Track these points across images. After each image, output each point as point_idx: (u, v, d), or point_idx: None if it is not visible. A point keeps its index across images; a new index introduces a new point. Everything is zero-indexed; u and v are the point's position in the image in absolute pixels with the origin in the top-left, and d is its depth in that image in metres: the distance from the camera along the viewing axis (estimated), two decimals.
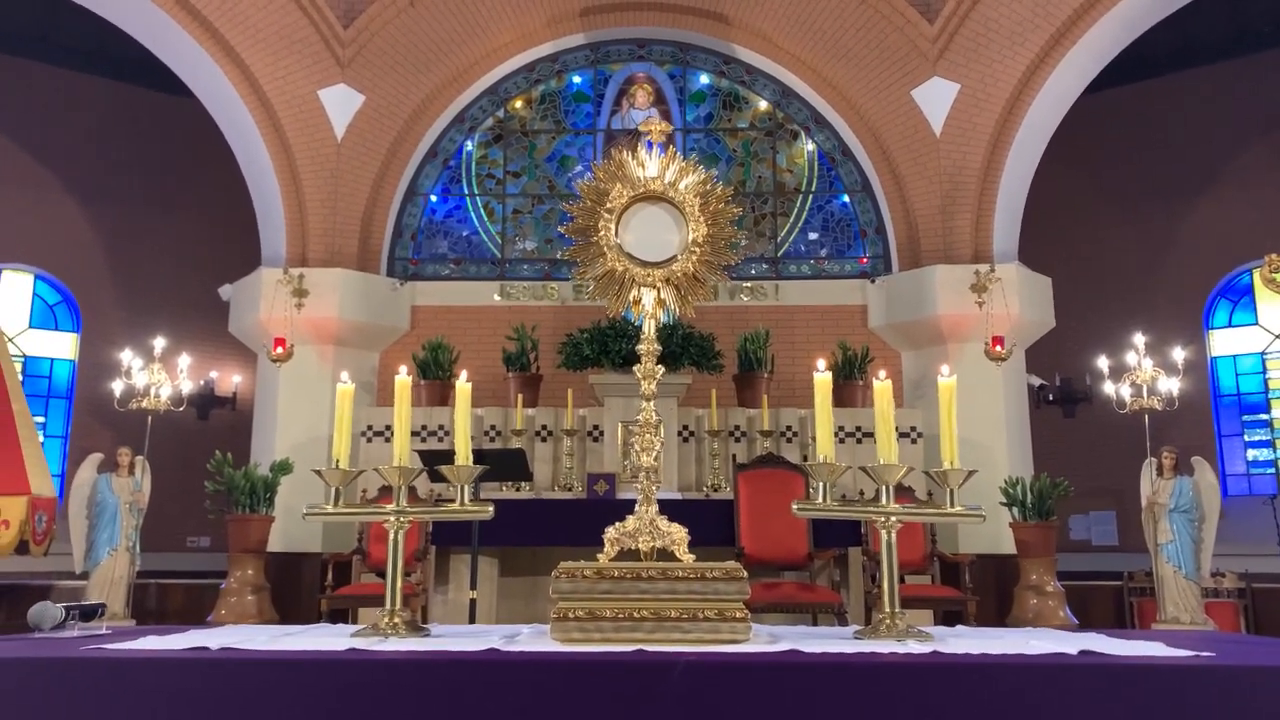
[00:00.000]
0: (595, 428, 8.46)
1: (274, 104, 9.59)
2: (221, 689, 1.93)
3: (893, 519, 2.59)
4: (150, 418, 7.69)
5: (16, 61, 11.98)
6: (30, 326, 12.43)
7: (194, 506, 10.47)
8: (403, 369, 3.27)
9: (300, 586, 8.84)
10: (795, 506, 2.69)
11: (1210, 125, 12.16)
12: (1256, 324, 12.28)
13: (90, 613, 2.61)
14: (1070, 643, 2.33)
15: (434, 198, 10.45)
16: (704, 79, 10.67)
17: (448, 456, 5.99)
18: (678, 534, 2.53)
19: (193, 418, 11.76)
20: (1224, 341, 12.38)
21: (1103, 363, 8.35)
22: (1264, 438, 12.21)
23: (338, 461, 2.96)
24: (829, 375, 2.71)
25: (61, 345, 12.61)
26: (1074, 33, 9.36)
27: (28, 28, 11.96)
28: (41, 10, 11.81)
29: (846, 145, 10.34)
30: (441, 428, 8.65)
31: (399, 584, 2.76)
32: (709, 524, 7.31)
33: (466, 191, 10.47)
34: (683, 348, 8.05)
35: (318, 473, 2.96)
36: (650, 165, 2.76)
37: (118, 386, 7.69)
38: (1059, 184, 11.38)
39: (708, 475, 8.30)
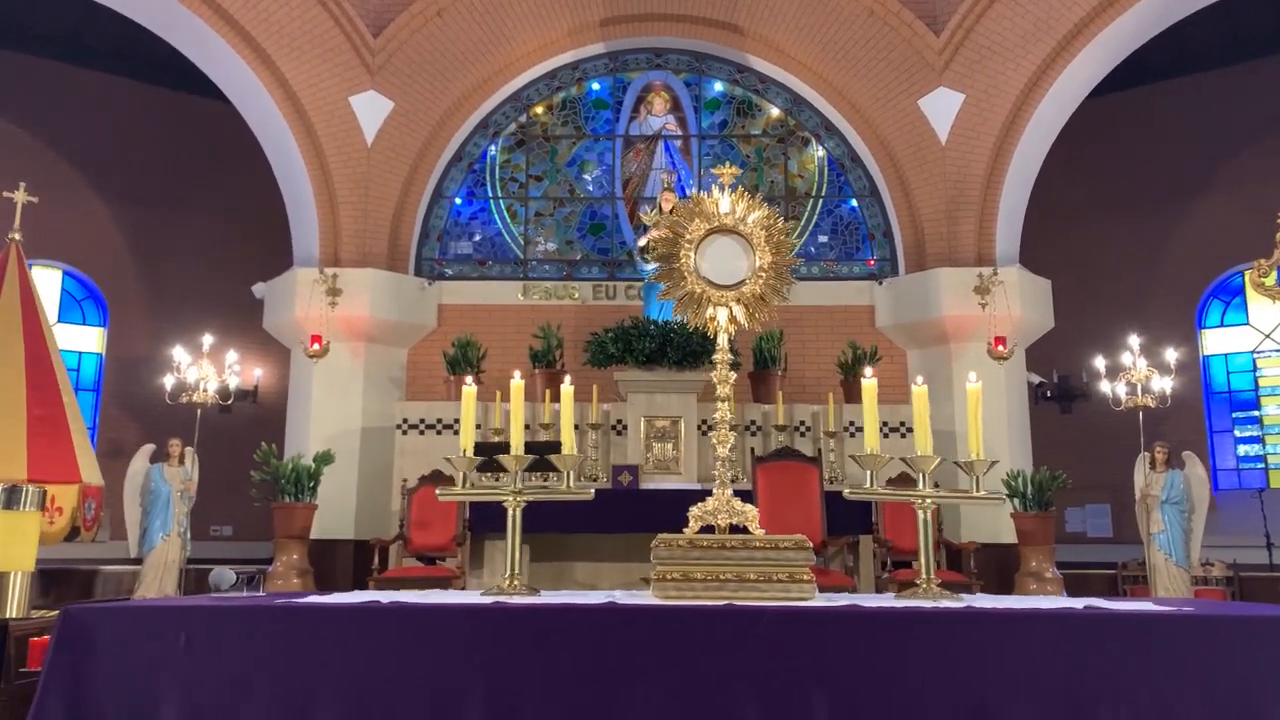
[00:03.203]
0: (619, 422, 8.89)
1: (307, 109, 10.00)
2: (402, 630, 2.40)
3: (928, 501, 3.06)
4: (199, 411, 8.11)
5: (46, 63, 12.34)
6: (59, 321, 12.80)
7: (218, 495, 10.87)
8: (516, 374, 3.71)
9: (335, 571, 9.27)
10: (846, 491, 3.16)
11: (1204, 131, 12.56)
12: (1247, 324, 12.73)
13: (251, 579, 3.05)
14: (1075, 603, 2.79)
15: (458, 200, 10.88)
16: (718, 87, 11.10)
17: (498, 448, 6.41)
18: (751, 512, 2.99)
19: (216, 410, 12.18)
20: (1216, 340, 12.83)
21: (1099, 362, 8.80)
22: (1254, 434, 12.69)
23: (465, 451, 3.40)
24: (875, 381, 3.17)
25: (88, 339, 12.99)
26: (1075, 45, 9.80)
27: (60, 30, 12.32)
28: (73, 12, 12.16)
29: (855, 152, 10.78)
30: None
31: (519, 554, 3.21)
32: None
33: (490, 194, 10.90)
34: (703, 347, 8.49)
35: (449, 460, 3.39)
36: (723, 202, 3.21)
37: (168, 381, 8.11)
38: (1056, 187, 11.80)
39: None
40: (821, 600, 2.78)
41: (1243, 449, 12.72)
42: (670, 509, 7.62)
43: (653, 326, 8.56)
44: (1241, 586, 9.11)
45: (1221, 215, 12.39)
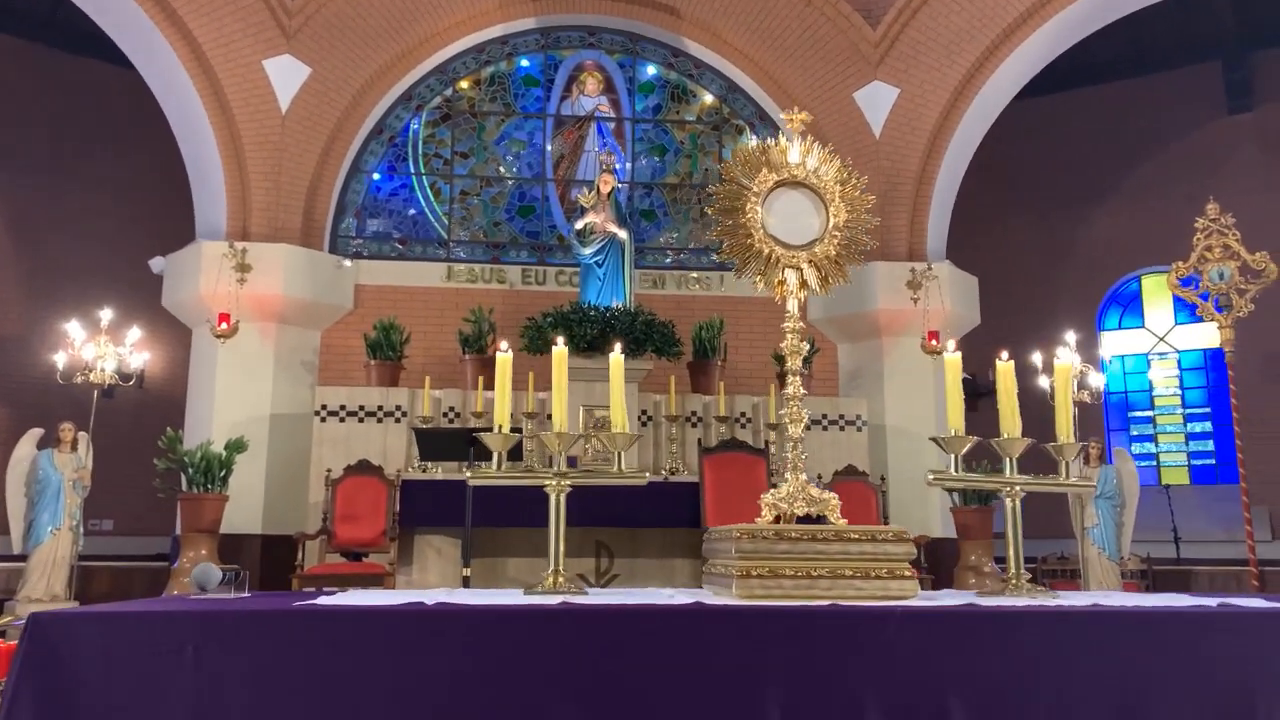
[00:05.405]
0: None
1: (217, 72, 9.24)
2: (459, 634, 2.01)
3: (1017, 488, 2.84)
4: (95, 393, 7.35)
5: None
6: None
7: (99, 487, 9.99)
8: (561, 341, 3.32)
9: (243, 568, 8.57)
10: (931, 476, 2.90)
11: (1105, 141, 13.00)
12: (1143, 327, 13.23)
13: (234, 578, 2.59)
14: (1208, 601, 2.62)
15: (378, 175, 10.26)
16: (652, 70, 10.80)
17: (443, 435, 5.97)
18: (831, 501, 2.70)
19: (98, 395, 11.24)
20: (1113, 343, 13.28)
21: (1036, 358, 8.86)
22: (1147, 432, 13.21)
23: (501, 426, 3.00)
24: (959, 355, 2.93)
25: None
26: (1007, 45, 9.91)
27: None
28: None
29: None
30: (398, 408, 8.55)
31: (562, 547, 2.84)
32: (675, 505, 7.50)
33: (412, 171, 10.32)
34: (646, 334, 8.19)
35: (478, 440, 2.99)
36: (793, 152, 2.91)
37: (60, 359, 7.31)
38: (967, 187, 11.92)
39: (665, 459, 8.47)
40: (923, 599, 2.52)
41: (1136, 447, 13.21)
42: (610, 502, 7.37)
43: (594, 312, 8.21)
44: (1155, 579, 9.37)
45: (1121, 222, 12.82)
